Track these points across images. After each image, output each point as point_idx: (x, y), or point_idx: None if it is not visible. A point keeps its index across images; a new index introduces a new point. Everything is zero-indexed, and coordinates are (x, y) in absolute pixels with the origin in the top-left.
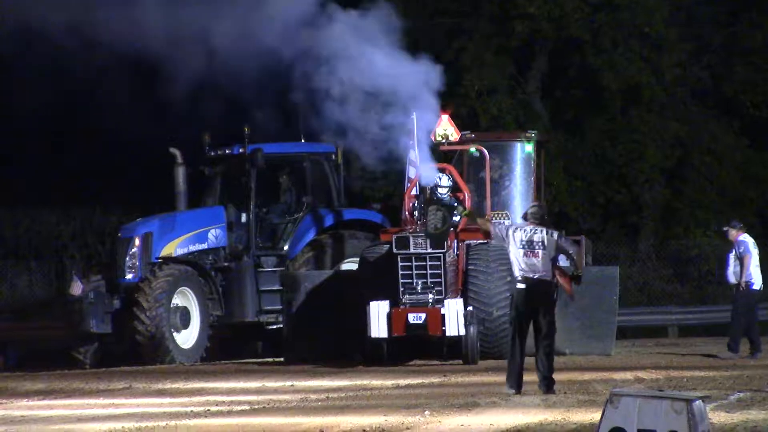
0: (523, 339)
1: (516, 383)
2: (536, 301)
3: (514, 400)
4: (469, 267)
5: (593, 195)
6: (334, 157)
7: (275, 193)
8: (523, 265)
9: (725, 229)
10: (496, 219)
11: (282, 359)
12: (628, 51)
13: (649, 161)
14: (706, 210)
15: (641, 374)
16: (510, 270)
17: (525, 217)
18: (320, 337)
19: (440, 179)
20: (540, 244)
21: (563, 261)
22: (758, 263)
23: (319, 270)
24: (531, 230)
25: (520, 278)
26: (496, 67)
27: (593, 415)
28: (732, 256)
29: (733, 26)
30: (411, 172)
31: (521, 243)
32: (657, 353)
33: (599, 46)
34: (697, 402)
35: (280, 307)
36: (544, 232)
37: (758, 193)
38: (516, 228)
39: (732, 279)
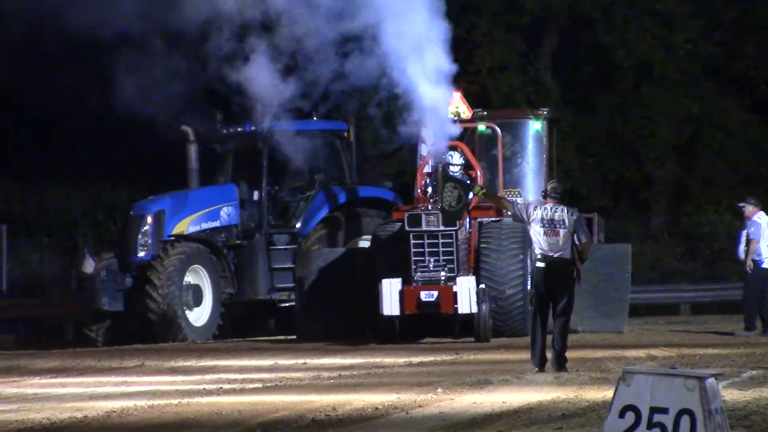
0: (544, 318)
1: (539, 362)
2: (556, 279)
3: (526, 378)
4: (482, 245)
5: (605, 172)
6: (346, 134)
7: (287, 170)
8: (544, 244)
9: (741, 204)
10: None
11: (294, 337)
12: (639, 28)
13: (661, 138)
14: (718, 187)
15: (653, 352)
16: (522, 248)
17: (544, 195)
18: (332, 314)
19: (452, 157)
20: (561, 222)
21: None
22: None
23: (331, 248)
24: (551, 208)
25: (539, 257)
26: (507, 44)
27: (605, 393)
28: (744, 233)
29: (744, 2)
30: (423, 150)
31: (542, 221)
32: (669, 331)
33: (611, 23)
34: (710, 379)
35: (293, 284)
36: (565, 210)
37: None
38: (536, 206)
39: (743, 255)
